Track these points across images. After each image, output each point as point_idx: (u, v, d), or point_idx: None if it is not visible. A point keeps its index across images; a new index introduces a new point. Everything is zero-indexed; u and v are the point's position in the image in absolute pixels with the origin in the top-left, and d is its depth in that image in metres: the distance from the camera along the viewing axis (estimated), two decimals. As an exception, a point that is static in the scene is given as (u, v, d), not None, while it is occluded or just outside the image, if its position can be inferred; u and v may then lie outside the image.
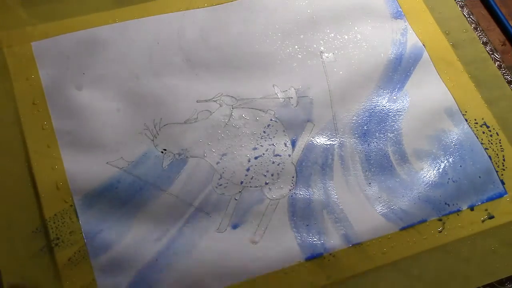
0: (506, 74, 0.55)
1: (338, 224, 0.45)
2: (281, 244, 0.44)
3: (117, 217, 0.43)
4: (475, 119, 0.52)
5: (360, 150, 0.49)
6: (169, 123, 0.47)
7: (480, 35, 0.57)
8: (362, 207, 0.46)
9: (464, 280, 0.45)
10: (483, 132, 0.52)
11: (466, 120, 0.52)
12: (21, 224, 0.42)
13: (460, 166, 0.49)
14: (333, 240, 0.45)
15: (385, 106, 0.51)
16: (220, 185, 0.45)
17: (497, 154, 0.51)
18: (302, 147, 0.48)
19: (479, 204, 0.48)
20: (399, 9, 0.57)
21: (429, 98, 0.53)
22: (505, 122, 0.52)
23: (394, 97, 0.52)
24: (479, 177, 0.49)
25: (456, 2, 0.59)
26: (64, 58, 0.48)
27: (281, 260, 0.43)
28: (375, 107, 0.51)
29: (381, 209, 0.46)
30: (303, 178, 0.47)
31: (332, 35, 0.54)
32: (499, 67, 0.55)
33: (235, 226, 0.44)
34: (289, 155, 0.48)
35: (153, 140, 0.46)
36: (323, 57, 0.53)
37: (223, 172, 0.46)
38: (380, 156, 0.49)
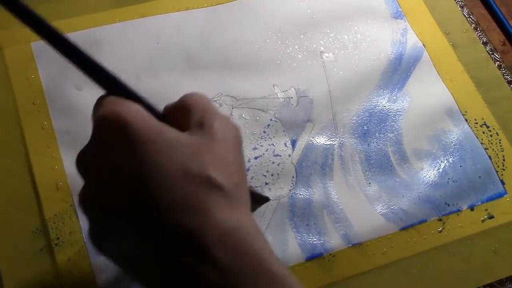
0: (506, 74, 0.55)
1: (338, 224, 0.45)
2: (281, 244, 0.44)
3: (117, 217, 0.43)
4: (475, 119, 0.52)
5: (360, 150, 0.49)
6: (169, 123, 0.47)
7: (480, 35, 0.57)
8: (362, 207, 0.46)
9: (464, 280, 0.45)
10: (483, 132, 0.52)
11: (466, 120, 0.52)
12: (21, 224, 0.42)
13: (460, 166, 0.49)
14: (333, 240, 0.45)
15: (385, 106, 0.51)
16: (220, 185, 0.45)
17: (497, 154, 0.51)
18: (302, 147, 0.48)
19: (479, 204, 0.48)
20: (399, 9, 0.57)
21: (429, 98, 0.53)
22: (505, 122, 0.52)
23: (394, 97, 0.52)
24: (479, 177, 0.49)
25: (456, 2, 0.59)
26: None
27: (281, 260, 0.43)
28: (375, 107, 0.51)
29: (381, 209, 0.46)
30: (303, 178, 0.47)
31: (332, 35, 0.54)
32: (499, 67, 0.55)
33: (235, 226, 0.44)
34: (289, 155, 0.48)
35: (153, 140, 0.46)
36: (323, 57, 0.53)
37: (223, 172, 0.46)
38: (380, 156, 0.49)
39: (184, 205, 0.24)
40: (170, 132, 0.26)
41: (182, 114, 0.28)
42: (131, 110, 0.26)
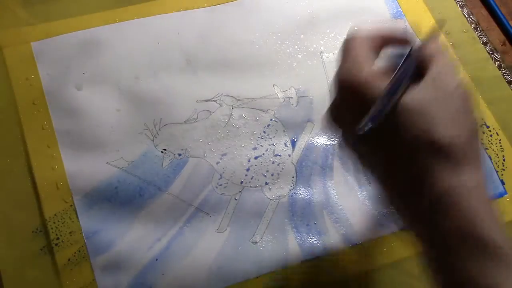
0: (506, 74, 0.55)
1: (338, 224, 0.45)
2: (281, 244, 0.44)
3: (117, 217, 0.43)
4: (475, 119, 0.52)
5: (360, 150, 0.49)
6: (169, 123, 0.47)
7: (480, 35, 0.57)
8: (362, 207, 0.46)
9: (464, 280, 0.45)
10: (483, 132, 0.51)
11: (466, 120, 0.52)
12: (21, 224, 0.42)
13: (460, 166, 0.49)
14: (333, 240, 0.45)
15: (385, 106, 0.51)
16: (220, 185, 0.45)
17: (497, 154, 0.51)
18: (302, 147, 0.48)
19: (479, 204, 0.48)
20: (399, 9, 0.57)
21: (429, 98, 0.53)
22: (505, 122, 0.52)
23: (394, 97, 0.52)
24: (479, 177, 0.49)
25: (456, 2, 0.59)
26: (64, 58, 0.48)
27: (281, 260, 0.43)
28: (375, 107, 0.51)
29: (381, 209, 0.46)
30: (303, 178, 0.47)
31: (332, 35, 0.54)
32: (499, 67, 0.55)
33: (235, 226, 0.44)
34: (289, 155, 0.48)
35: (153, 140, 0.46)
36: (323, 57, 0.53)
37: (223, 172, 0.46)
38: (380, 156, 0.49)
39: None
40: None
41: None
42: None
